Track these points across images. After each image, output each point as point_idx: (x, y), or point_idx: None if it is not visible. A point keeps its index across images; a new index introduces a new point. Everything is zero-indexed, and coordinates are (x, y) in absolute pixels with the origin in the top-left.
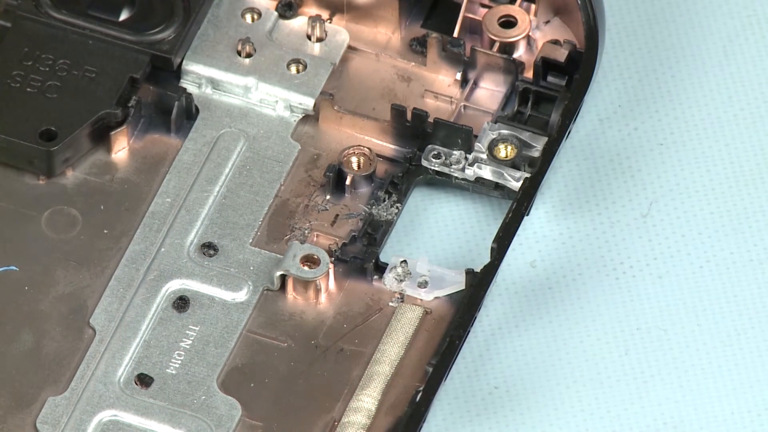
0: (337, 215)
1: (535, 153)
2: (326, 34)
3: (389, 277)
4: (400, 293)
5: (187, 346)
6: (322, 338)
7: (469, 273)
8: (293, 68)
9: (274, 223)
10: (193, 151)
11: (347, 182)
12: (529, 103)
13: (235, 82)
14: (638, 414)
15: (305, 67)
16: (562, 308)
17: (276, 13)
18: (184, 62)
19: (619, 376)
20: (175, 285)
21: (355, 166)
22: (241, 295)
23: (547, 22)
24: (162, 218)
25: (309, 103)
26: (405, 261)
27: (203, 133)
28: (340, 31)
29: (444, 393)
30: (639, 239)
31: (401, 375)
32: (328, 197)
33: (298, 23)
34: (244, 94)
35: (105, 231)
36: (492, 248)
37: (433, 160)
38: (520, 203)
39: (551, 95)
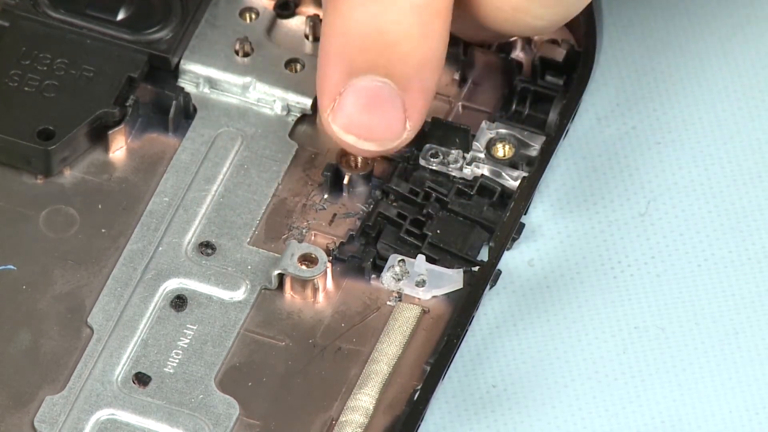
0: (335, 214)
1: (533, 152)
2: None
3: (387, 276)
4: (397, 292)
5: (185, 345)
6: (319, 337)
7: (467, 272)
8: (291, 68)
9: (272, 223)
10: (191, 150)
11: (345, 181)
12: (527, 103)
13: (233, 81)
14: (636, 412)
15: (303, 66)
16: (560, 307)
17: (274, 13)
18: (181, 61)
19: (616, 375)
20: (172, 284)
21: (352, 165)
22: (239, 294)
23: None
24: (160, 217)
25: (307, 102)
26: (403, 260)
27: (201, 132)
28: None
29: (442, 392)
30: (637, 238)
31: (399, 374)
32: (325, 196)
33: (296, 23)
34: (241, 94)
35: (103, 230)
36: (490, 247)
37: (431, 159)
38: (518, 202)
39: (549, 94)
